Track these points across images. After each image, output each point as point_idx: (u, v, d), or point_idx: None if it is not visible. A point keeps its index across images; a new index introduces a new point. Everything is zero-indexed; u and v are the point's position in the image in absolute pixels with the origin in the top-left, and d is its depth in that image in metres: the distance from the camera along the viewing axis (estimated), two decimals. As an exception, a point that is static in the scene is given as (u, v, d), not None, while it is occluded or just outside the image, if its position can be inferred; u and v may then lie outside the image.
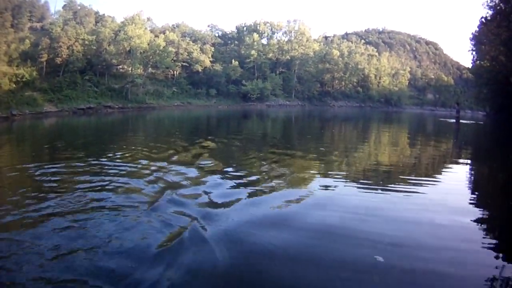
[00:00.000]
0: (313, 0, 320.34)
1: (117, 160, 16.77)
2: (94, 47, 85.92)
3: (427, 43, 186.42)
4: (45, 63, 79.34)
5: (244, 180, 13.20)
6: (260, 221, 8.58)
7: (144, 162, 16.31)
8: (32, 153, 21.67)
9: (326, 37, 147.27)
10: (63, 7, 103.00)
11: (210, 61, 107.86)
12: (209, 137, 28.21)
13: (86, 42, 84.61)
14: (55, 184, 12.22)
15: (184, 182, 12.46)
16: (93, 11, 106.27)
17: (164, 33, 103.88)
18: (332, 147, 24.90)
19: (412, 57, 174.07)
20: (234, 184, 12.38)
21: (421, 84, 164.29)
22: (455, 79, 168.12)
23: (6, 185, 12.53)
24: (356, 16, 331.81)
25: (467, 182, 14.94)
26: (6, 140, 30.24)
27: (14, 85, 69.14)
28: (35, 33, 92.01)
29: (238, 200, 10.27)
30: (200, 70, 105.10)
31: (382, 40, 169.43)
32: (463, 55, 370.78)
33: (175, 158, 17.92)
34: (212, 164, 16.32)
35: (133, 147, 21.37)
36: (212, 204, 9.85)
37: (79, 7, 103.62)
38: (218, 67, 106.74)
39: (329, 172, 15.02)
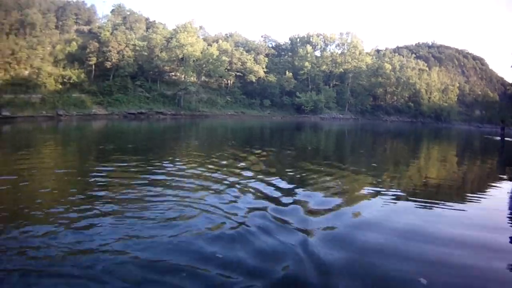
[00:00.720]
0: (364, 12, 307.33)
1: (187, 170, 15.00)
2: (146, 53, 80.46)
3: (474, 58, 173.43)
4: (94, 66, 75.28)
5: (301, 193, 11.78)
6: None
7: (216, 173, 14.61)
8: (86, 154, 20.97)
9: (378, 51, 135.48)
10: (111, 12, 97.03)
11: (264, 71, 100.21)
12: (262, 147, 26.44)
13: (137, 48, 79.63)
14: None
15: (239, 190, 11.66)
16: (144, 17, 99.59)
17: (217, 42, 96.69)
18: (383, 163, 23.06)
19: (460, 72, 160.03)
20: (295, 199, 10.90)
21: (469, 100, 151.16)
22: (499, 95, 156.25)
23: (61, 185, 12.19)
24: (406, 29, 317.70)
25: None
26: (54, 139, 29.90)
27: (60, 86, 67.58)
28: (82, 35, 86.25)
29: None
30: (254, 80, 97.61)
31: (432, 55, 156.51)
32: (507, 70, 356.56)
33: (230, 167, 16.14)
34: (270, 175, 14.56)
35: (191, 154, 21.37)
36: (310, 212, 9.53)
37: (128, 13, 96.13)
38: (272, 78, 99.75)
39: (379, 189, 13.19)
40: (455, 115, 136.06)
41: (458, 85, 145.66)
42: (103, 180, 12.54)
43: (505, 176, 18.84)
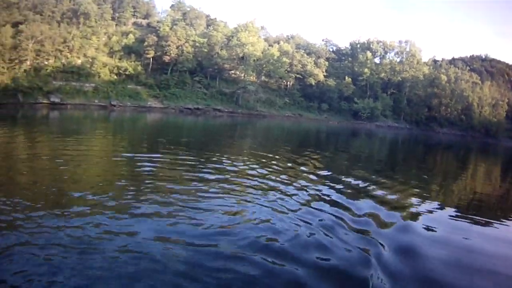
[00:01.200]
0: (422, 22, 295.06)
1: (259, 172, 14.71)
2: (206, 50, 74.65)
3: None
4: (151, 59, 70.50)
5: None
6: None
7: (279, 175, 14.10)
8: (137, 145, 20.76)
9: (435, 61, 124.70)
10: (171, 7, 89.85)
11: (323, 75, 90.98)
12: (318, 151, 25.97)
13: (197, 44, 74.14)
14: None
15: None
16: (204, 14, 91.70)
17: (278, 43, 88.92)
18: (432, 176, 21.40)
19: (509, 88, 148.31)
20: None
21: None
22: None
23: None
24: (461, 40, 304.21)
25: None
26: (105, 128, 29.61)
27: (115, 77, 64.49)
28: (139, 29, 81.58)
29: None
30: (313, 84, 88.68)
31: (484, 68, 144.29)
32: None
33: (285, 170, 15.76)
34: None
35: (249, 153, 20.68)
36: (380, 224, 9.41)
37: (188, 9, 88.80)
38: (331, 82, 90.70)
39: (427, 203, 12.85)
40: (503, 131, 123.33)
41: (507, 100, 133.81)
42: (151, 170, 12.66)
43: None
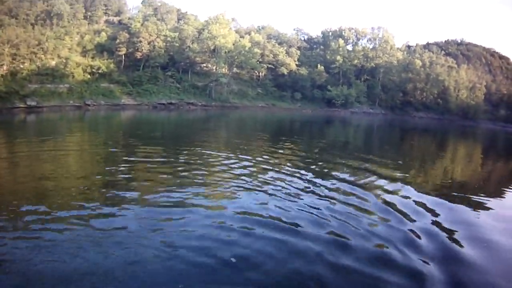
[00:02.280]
0: (395, 7, 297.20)
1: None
2: (177, 44, 76.79)
3: (501, 57, 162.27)
4: (123, 56, 72.50)
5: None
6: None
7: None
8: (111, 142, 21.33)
9: (408, 46, 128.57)
10: (142, 3, 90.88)
11: (295, 64, 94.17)
12: (294, 138, 29.03)
13: (169, 39, 76.30)
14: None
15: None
16: (175, 8, 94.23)
17: (249, 34, 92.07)
18: (409, 160, 22.87)
19: (487, 71, 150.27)
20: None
21: (495, 99, 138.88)
22: None
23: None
24: (436, 25, 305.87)
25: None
26: (80, 127, 30.90)
27: (88, 76, 65.85)
28: (111, 26, 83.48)
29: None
30: (285, 73, 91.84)
31: (460, 52, 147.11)
32: None
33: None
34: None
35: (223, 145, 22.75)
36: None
37: (159, 4, 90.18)
38: (303, 71, 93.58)
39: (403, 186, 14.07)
40: (481, 113, 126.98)
41: (485, 83, 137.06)
42: (126, 168, 13.89)
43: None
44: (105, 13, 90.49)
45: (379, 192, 12.77)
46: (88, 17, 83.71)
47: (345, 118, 73.17)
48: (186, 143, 21.17)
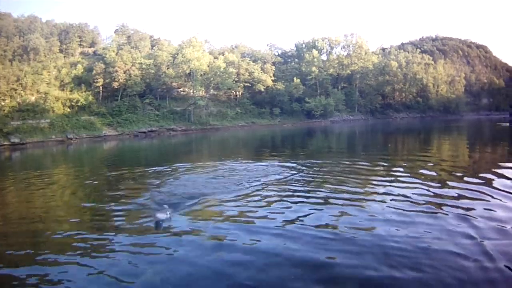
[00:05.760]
0: (366, 12, 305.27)
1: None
2: (153, 71, 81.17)
3: (478, 46, 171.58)
4: (101, 87, 76.65)
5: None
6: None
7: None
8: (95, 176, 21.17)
9: (383, 49, 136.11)
10: (115, 32, 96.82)
11: (272, 80, 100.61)
12: (273, 153, 29.08)
13: (144, 66, 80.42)
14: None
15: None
16: (148, 35, 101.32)
17: (223, 55, 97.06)
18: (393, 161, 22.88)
19: (465, 63, 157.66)
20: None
21: (476, 89, 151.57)
22: (505, 81, 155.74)
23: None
24: (409, 24, 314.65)
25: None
26: (64, 162, 31.79)
27: (68, 109, 70.05)
28: (87, 58, 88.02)
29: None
30: (262, 90, 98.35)
31: (436, 48, 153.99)
32: (511, 55, 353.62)
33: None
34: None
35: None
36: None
37: (132, 32, 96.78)
38: (280, 85, 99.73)
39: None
40: (463, 106, 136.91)
41: (464, 75, 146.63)
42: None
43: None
44: (80, 44, 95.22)
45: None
46: (64, 50, 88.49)
47: (326, 128, 76.36)
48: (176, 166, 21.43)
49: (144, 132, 71.55)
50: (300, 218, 9.86)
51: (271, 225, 9.52)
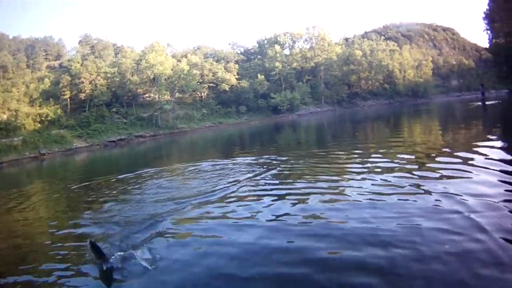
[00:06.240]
0: (328, 4, 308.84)
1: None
2: (118, 79, 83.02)
3: (444, 29, 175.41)
4: (68, 100, 77.92)
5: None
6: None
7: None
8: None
9: (346, 39, 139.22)
10: (79, 43, 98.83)
11: (236, 78, 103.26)
12: (244, 151, 28.91)
13: (109, 75, 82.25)
14: None
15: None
16: (111, 43, 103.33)
17: (186, 57, 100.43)
18: (364, 149, 21.19)
19: (432, 46, 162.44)
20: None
21: (444, 71, 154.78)
22: (475, 61, 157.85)
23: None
24: (372, 14, 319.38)
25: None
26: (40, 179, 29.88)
27: (39, 125, 70.58)
28: (53, 71, 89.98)
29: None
30: (227, 89, 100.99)
31: (401, 34, 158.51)
32: (480, 36, 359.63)
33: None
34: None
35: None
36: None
37: (95, 41, 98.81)
38: (244, 83, 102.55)
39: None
40: (432, 89, 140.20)
41: (431, 59, 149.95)
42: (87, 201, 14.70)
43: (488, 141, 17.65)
44: (46, 58, 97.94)
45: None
46: (31, 65, 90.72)
47: (293, 122, 76.27)
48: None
49: (114, 141, 72.67)
50: (283, 211, 9.62)
51: (255, 220, 9.11)
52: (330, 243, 7.18)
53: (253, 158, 21.25)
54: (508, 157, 13.04)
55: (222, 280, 6.24)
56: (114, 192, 15.74)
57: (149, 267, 6.84)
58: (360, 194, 10.07)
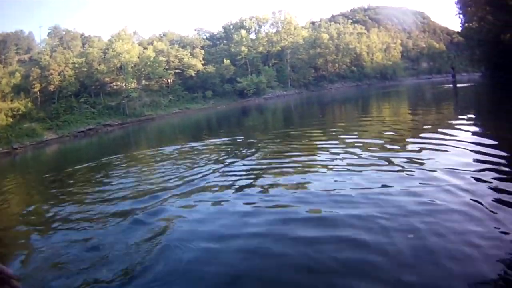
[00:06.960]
0: None
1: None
2: (85, 69, 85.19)
3: (414, 13, 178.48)
4: (38, 92, 79.11)
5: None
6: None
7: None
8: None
9: (313, 23, 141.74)
10: (48, 35, 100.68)
11: (202, 64, 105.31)
12: (212, 135, 28.86)
13: (76, 66, 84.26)
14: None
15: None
16: (79, 33, 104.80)
17: (152, 44, 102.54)
18: (328, 129, 21.86)
19: (401, 29, 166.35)
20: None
21: (414, 54, 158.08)
22: (446, 44, 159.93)
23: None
24: None
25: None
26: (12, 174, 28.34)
27: (11, 119, 70.58)
28: (24, 65, 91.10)
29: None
30: (193, 75, 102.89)
31: (369, 17, 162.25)
32: (451, 19, 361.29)
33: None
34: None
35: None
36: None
37: (63, 32, 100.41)
38: (210, 68, 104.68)
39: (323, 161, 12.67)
40: (401, 71, 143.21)
41: (400, 42, 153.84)
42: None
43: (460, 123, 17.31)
44: (17, 52, 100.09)
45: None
46: (3, 60, 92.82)
47: (260, 105, 77.20)
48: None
49: (83, 131, 73.36)
50: (262, 192, 9.43)
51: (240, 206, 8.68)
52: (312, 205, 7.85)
53: (223, 142, 22.00)
54: (475, 136, 13.58)
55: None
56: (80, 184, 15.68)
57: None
58: (341, 176, 9.99)
